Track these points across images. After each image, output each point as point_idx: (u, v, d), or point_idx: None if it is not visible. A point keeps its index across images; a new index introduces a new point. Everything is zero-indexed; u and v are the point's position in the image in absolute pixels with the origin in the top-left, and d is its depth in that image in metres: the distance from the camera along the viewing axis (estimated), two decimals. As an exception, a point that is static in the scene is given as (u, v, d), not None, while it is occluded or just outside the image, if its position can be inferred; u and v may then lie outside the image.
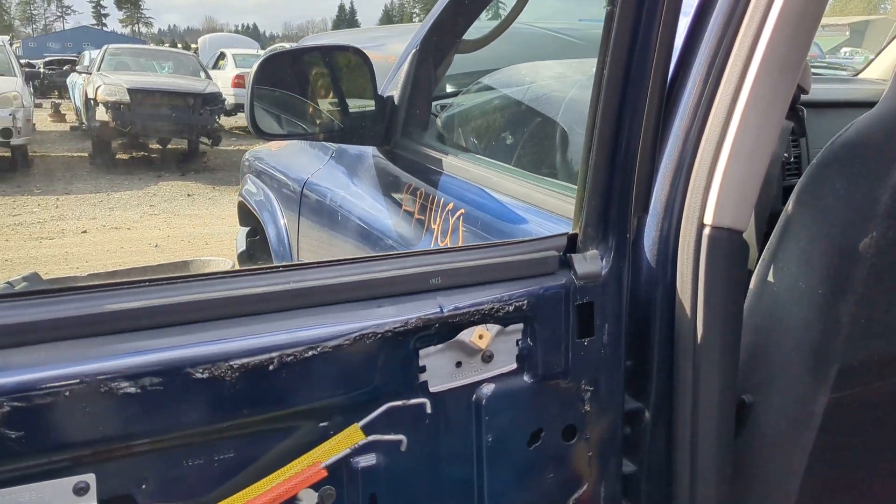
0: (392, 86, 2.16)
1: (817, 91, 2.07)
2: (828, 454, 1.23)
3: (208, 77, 14.66)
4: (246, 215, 3.21)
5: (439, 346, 1.05)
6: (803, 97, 1.98)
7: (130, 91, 12.09)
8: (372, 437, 1.02)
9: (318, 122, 2.15)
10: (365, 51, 2.11)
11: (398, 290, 1.05)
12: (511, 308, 1.09)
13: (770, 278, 1.23)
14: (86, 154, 13.18)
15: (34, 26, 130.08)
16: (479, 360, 1.09)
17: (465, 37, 2.13)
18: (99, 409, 0.84)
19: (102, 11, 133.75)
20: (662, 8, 1.10)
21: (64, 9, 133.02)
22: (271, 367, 0.93)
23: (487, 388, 1.10)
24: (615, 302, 1.17)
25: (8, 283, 1.42)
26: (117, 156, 13.15)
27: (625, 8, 1.09)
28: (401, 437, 1.04)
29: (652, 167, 1.17)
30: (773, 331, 1.23)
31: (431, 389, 1.06)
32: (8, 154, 11.56)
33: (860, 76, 3.13)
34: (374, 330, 0.99)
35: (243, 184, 3.22)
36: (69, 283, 0.89)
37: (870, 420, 1.28)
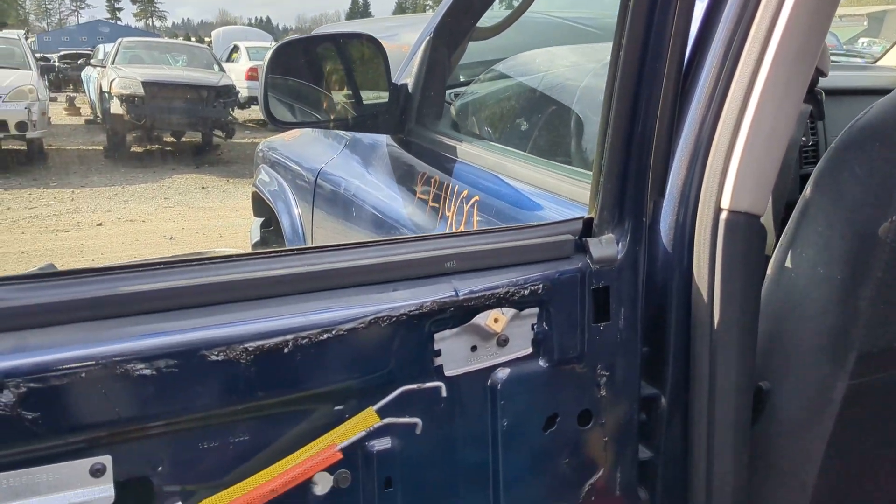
0: (406, 74, 2.15)
1: (835, 78, 2.05)
2: (846, 441, 1.22)
3: (222, 70, 14.71)
4: (260, 206, 3.22)
5: (454, 329, 1.05)
6: (821, 85, 1.96)
7: (145, 84, 12.15)
8: (387, 420, 1.02)
9: (332, 110, 2.15)
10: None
11: (413, 273, 1.04)
12: (526, 292, 1.08)
13: (788, 264, 1.22)
14: (101, 147, 13.27)
15: (49, 21, 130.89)
16: (495, 345, 1.08)
17: (479, 24, 2.12)
18: (115, 390, 0.85)
19: (116, 5, 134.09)
20: None
21: (78, 3, 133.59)
22: (286, 350, 0.93)
23: (503, 373, 1.09)
24: (631, 286, 1.16)
25: None
26: (132, 149, 13.22)
27: None
28: (416, 420, 1.04)
29: (668, 150, 1.16)
30: (790, 317, 1.22)
31: (446, 373, 1.05)
32: (24, 147, 11.65)
33: (878, 63, 3.09)
34: (388, 313, 0.99)
35: (257, 174, 3.23)
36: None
37: (889, 407, 1.27)
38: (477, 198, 1.70)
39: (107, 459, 0.86)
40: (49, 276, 0.87)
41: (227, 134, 13.44)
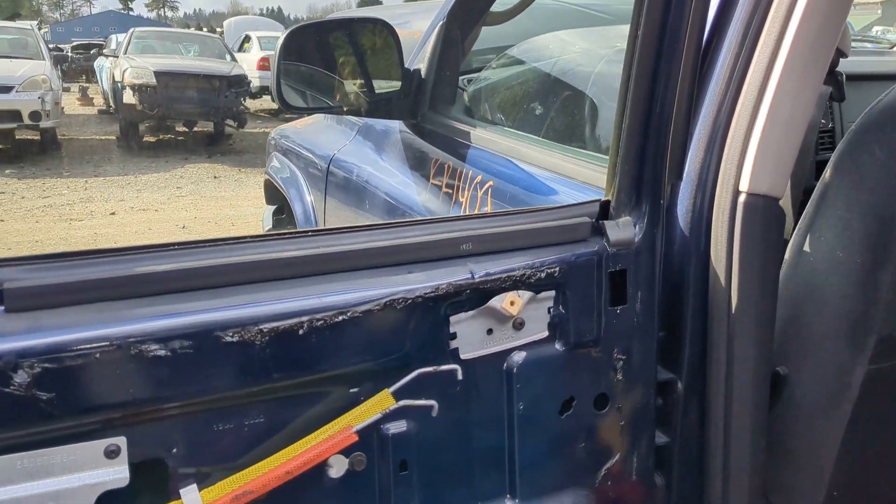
0: (419, 59, 2.14)
1: (853, 63, 2.03)
2: (864, 426, 1.21)
3: (234, 60, 14.72)
4: (272, 193, 3.22)
5: (470, 312, 1.04)
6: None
7: (157, 74, 12.17)
8: (402, 403, 1.01)
9: (344, 96, 2.14)
10: (390, 26, 2.09)
11: (428, 255, 1.04)
12: (543, 275, 1.07)
13: (806, 248, 1.21)
14: (113, 137, 13.32)
15: (62, 11, 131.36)
16: (511, 328, 1.07)
17: (492, 8, 2.10)
18: (129, 371, 0.85)
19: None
20: None
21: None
22: (301, 332, 0.92)
23: (519, 356, 1.09)
24: (648, 269, 1.15)
25: None
26: (144, 138, 13.27)
27: None
28: (431, 402, 1.03)
29: (686, 132, 1.14)
30: (809, 301, 1.20)
31: (462, 356, 1.05)
32: (37, 137, 11.70)
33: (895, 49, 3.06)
34: (404, 295, 0.99)
35: (269, 161, 3.23)
36: None
37: None
38: (491, 183, 1.69)
39: (121, 441, 0.86)
40: (63, 256, 0.86)
41: (239, 123, 13.46)
